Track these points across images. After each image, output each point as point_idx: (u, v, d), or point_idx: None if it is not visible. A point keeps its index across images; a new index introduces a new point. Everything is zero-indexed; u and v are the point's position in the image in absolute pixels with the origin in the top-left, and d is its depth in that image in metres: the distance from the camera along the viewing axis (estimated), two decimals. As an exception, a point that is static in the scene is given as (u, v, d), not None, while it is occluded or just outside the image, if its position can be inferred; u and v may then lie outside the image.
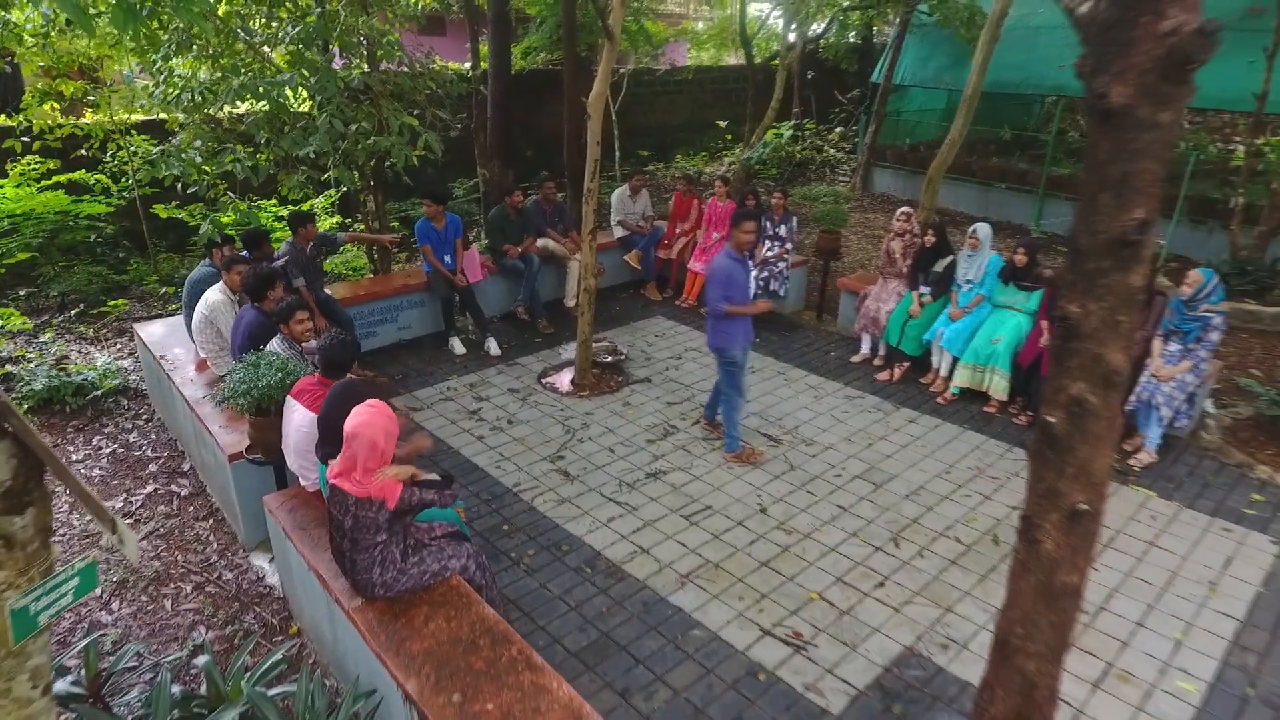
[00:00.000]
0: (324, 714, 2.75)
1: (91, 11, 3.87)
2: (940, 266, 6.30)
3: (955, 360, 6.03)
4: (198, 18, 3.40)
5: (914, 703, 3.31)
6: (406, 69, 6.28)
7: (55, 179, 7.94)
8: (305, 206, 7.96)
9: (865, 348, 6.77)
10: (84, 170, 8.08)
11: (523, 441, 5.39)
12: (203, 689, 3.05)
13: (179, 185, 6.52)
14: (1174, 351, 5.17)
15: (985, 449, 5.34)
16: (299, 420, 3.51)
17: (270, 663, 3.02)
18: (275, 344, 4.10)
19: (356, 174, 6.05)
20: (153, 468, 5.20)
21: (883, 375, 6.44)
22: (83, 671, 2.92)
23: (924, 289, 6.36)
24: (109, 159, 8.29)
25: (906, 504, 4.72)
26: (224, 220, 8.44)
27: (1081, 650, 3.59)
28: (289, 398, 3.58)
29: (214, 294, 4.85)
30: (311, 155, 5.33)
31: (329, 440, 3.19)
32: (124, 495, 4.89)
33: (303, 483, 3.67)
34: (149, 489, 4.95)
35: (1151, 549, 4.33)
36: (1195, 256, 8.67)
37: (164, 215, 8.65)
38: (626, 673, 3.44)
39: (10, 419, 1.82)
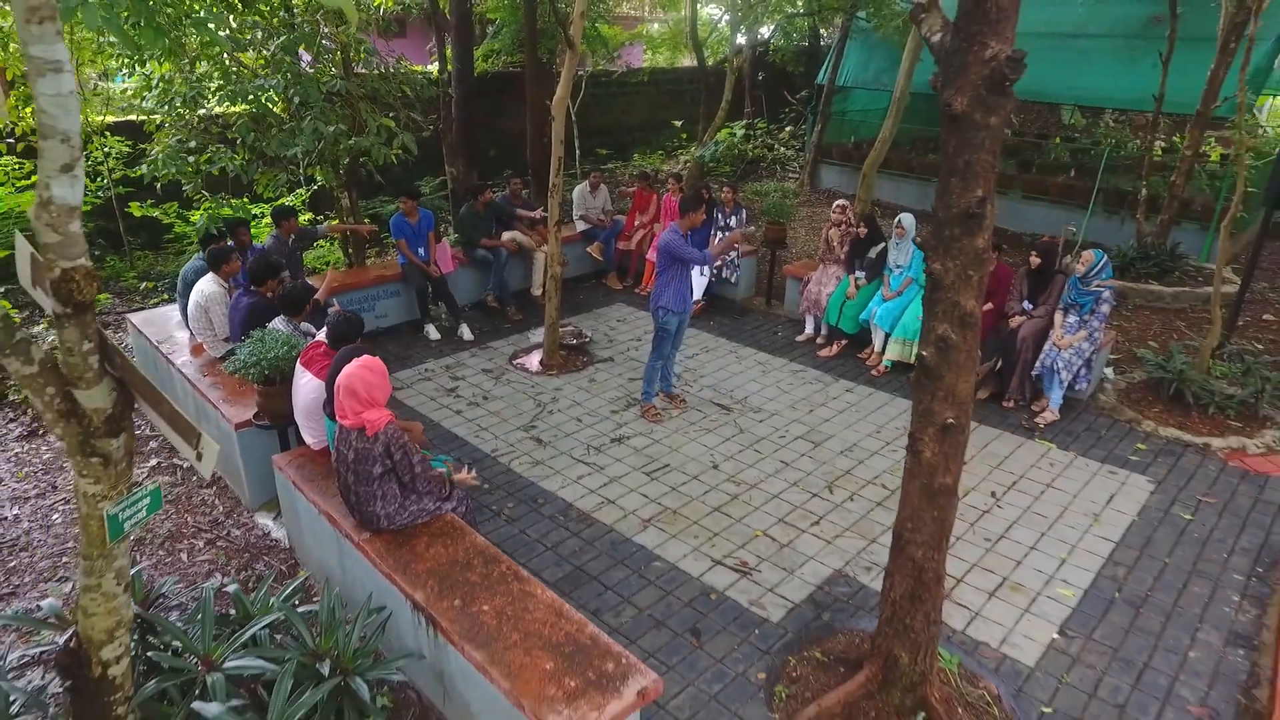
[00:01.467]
0: (343, 624, 3.26)
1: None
2: (873, 253, 6.98)
3: (888, 336, 6.71)
4: (214, 34, 3.86)
5: (840, 611, 3.93)
6: (380, 71, 6.73)
7: (35, 179, 8.21)
8: (281, 202, 8.35)
9: (809, 328, 7.42)
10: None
11: (498, 414, 5.92)
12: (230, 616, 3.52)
13: (156, 184, 6.91)
14: (1072, 323, 5.90)
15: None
16: (309, 386, 4.00)
17: (290, 589, 3.52)
18: (278, 323, 4.57)
19: (334, 172, 6.50)
20: (153, 444, 5.61)
21: (824, 351, 7.10)
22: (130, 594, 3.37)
23: (859, 274, 7.03)
24: (84, 159, 8.57)
25: (841, 459, 5.36)
26: (195, 217, 8.81)
27: (982, 569, 4.26)
28: (299, 366, 4.07)
29: (208, 285, 5.28)
30: (299, 155, 5.76)
31: (334, 396, 3.69)
32: (129, 469, 5.28)
33: (309, 441, 4.15)
34: (152, 462, 5.36)
35: (1048, 489, 5.03)
36: (1108, 243, 9.49)
37: (138, 214, 8.97)
38: (598, 596, 4.00)
39: (115, 358, 2.32)
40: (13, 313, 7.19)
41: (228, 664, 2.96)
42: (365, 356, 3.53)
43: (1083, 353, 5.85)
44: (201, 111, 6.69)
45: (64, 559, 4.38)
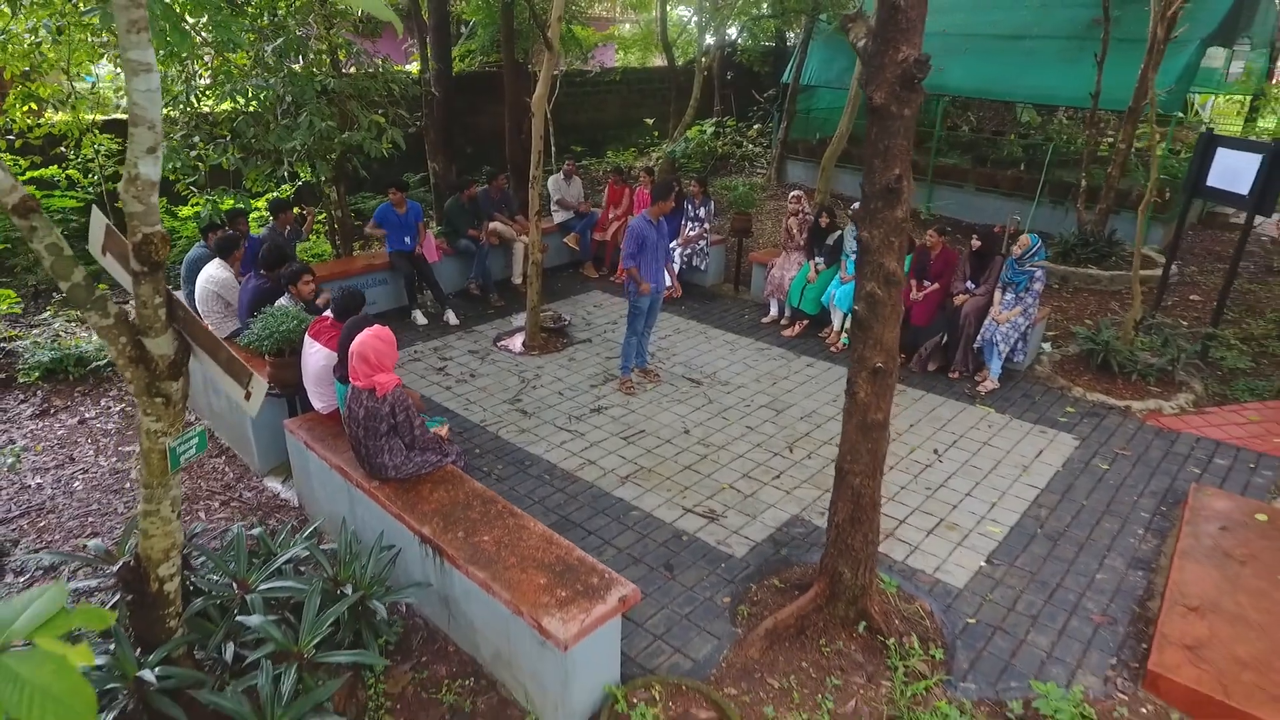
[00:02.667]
0: (358, 558, 3.71)
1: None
2: (831, 240, 7.53)
3: (845, 316, 7.25)
4: (234, 35, 4.26)
5: (797, 548, 4.45)
6: (369, 71, 7.14)
7: (29, 174, 8.50)
8: (269, 197, 8.71)
9: (773, 310, 7.96)
10: (56, 166, 8.65)
11: (485, 390, 6.37)
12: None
13: None
14: (1009, 300, 6.48)
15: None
16: (318, 355, 4.43)
17: (309, 531, 3.95)
18: (284, 301, 4.99)
19: (328, 166, 6.90)
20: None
21: (787, 331, 7.64)
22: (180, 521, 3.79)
23: (819, 259, 7.57)
24: (73, 156, 8.87)
25: (800, 423, 5.89)
26: (185, 212, 9.14)
27: (923, 512, 4.80)
28: (308, 338, 4.49)
29: (218, 270, 5.66)
30: (296, 148, 6.16)
31: (347, 360, 4.13)
32: (135, 447, 5.66)
33: (318, 406, 4.58)
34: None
35: (985, 447, 5.60)
36: (1053, 231, 10.16)
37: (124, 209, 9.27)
38: (581, 540, 4.48)
39: (179, 312, 2.76)
40: (15, 299, 7.52)
41: (261, 587, 3.40)
42: (376, 326, 3.97)
43: (1019, 327, 6.43)
44: (190, 110, 7.07)
45: (89, 519, 4.76)
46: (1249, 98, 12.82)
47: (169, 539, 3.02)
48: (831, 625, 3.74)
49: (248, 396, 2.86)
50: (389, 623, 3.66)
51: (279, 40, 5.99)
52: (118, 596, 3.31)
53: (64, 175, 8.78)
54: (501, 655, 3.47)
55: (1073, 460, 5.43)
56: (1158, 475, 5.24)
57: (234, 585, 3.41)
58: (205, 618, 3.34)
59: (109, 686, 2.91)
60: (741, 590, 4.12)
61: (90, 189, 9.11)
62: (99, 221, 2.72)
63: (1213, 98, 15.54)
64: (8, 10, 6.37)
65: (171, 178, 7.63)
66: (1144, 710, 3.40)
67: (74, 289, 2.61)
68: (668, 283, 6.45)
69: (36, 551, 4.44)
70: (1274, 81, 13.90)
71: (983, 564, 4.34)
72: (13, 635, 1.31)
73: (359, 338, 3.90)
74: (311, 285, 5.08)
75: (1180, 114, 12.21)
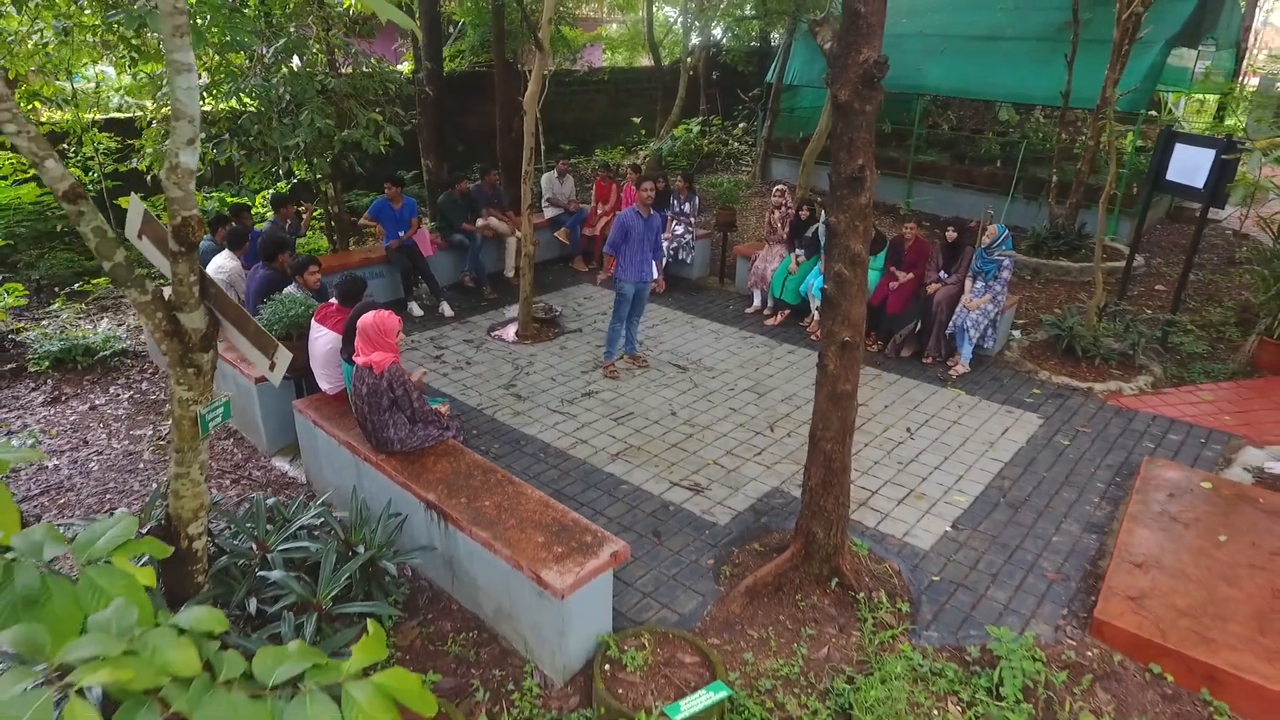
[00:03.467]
0: (367, 524, 3.99)
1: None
2: (811, 232, 7.86)
3: (824, 305, 7.57)
4: (242, 37, 4.52)
5: (776, 516, 4.76)
6: (366, 70, 7.41)
7: (31, 171, 8.70)
8: (265, 193, 8.96)
9: (756, 300, 8.28)
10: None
11: (480, 376, 6.65)
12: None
13: (148, 177, 7.51)
14: (979, 288, 6.82)
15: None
16: (325, 339, 4.70)
17: (320, 501, 4.23)
18: (292, 289, 5.26)
19: (325, 163, 7.17)
20: (168, 407, 6.21)
21: (770, 321, 7.96)
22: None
23: (799, 251, 7.89)
24: (73, 154, 9.07)
25: (781, 405, 6.21)
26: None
27: (894, 484, 5.12)
28: (314, 323, 4.77)
29: (227, 261, 5.92)
30: (299, 145, 6.42)
31: (351, 342, 4.41)
32: (151, 426, 5.93)
33: (325, 387, 4.85)
34: (170, 421, 5.98)
35: (954, 425, 5.93)
36: (1025, 225, 10.54)
37: (125, 206, 9.48)
38: (575, 511, 4.76)
39: (210, 289, 3.04)
40: (23, 291, 7.74)
41: (280, 548, 3.68)
42: (381, 309, 4.26)
43: (988, 314, 6.77)
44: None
45: (107, 496, 5.01)
46: (1217, 97, 13.23)
47: (198, 500, 3.29)
48: (807, 582, 4.05)
49: (272, 367, 3.14)
50: (397, 582, 3.95)
51: (280, 42, 6.25)
52: (147, 555, 3.58)
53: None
54: (503, 609, 3.76)
55: (1036, 437, 5.77)
56: (1115, 450, 5.59)
57: (254, 546, 3.69)
58: (228, 575, 3.61)
59: (145, 633, 3.17)
60: (724, 554, 4.43)
61: (90, 186, 9.32)
62: (137, 208, 2.99)
63: (1184, 97, 16.01)
64: (12, 12, 6.60)
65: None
66: (1089, 653, 3.72)
67: (115, 268, 2.88)
68: (654, 275, 6.73)
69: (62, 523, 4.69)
70: (1241, 80, 14.35)
71: (948, 529, 4.67)
72: (95, 554, 1.60)
73: (363, 317, 4.19)
74: (317, 275, 5.36)
75: (1154, 112, 12.64)
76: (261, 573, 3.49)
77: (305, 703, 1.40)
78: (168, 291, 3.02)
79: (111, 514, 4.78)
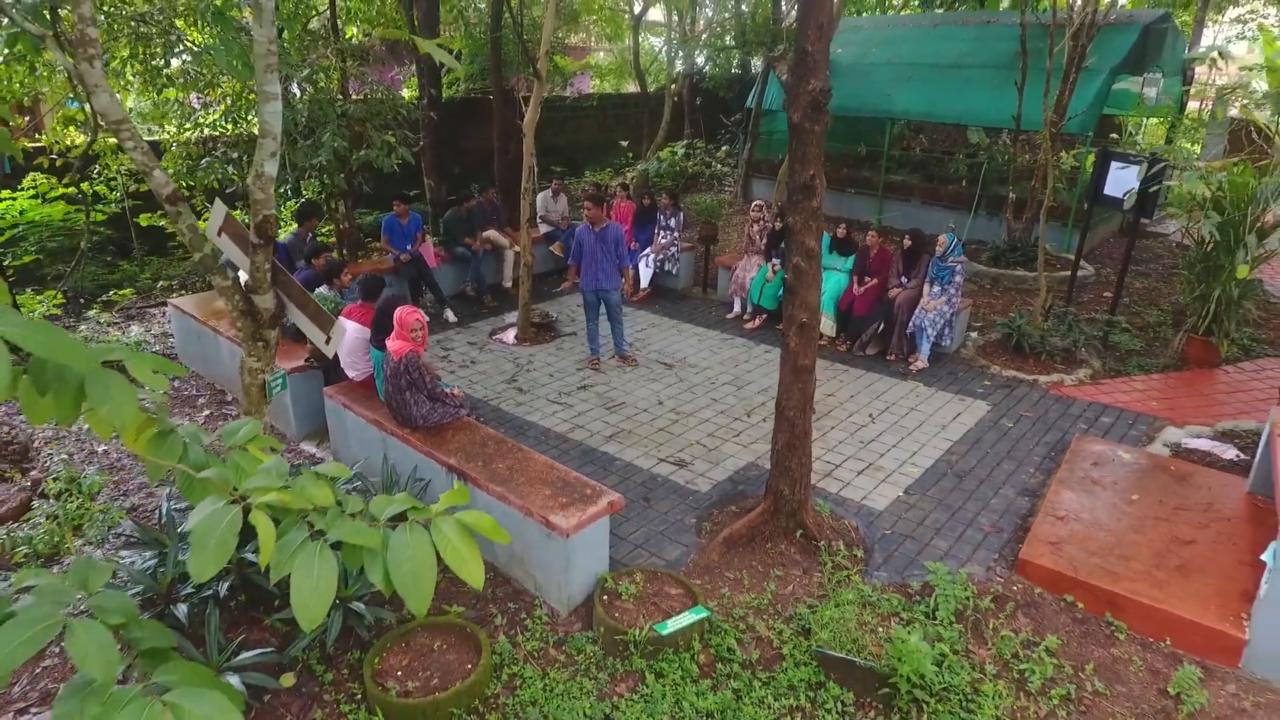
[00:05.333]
0: (397, 484, 4.61)
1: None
2: (783, 248, 8.58)
3: (798, 309, 8.29)
4: (286, 68, 5.19)
5: (751, 485, 5.42)
6: (379, 96, 8.13)
7: (60, 190, 9.33)
8: (288, 207, 9.62)
9: (736, 307, 8.98)
10: (86, 183, 9.48)
11: (484, 373, 7.30)
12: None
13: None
14: (936, 291, 7.55)
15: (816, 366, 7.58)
16: (353, 331, 5.35)
17: (354, 469, 4.85)
18: (323, 290, 5.93)
19: (342, 180, 7.86)
20: (201, 402, 6.84)
21: (749, 324, 8.66)
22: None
23: (776, 260, 8.62)
24: (96, 174, 9.71)
25: (758, 396, 6.88)
26: (201, 225, 9.97)
27: (856, 459, 5.80)
28: (340, 318, 5.42)
29: (325, 291, 6.58)
30: (320, 164, 7.11)
31: (380, 330, 5.07)
32: (187, 418, 6.53)
33: (351, 375, 5.49)
34: (205, 413, 6.60)
35: (912, 412, 6.63)
36: (986, 239, 11.34)
37: (145, 224, 10.13)
38: (574, 482, 5.41)
39: (279, 276, 3.70)
40: (60, 299, 8.34)
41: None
42: (408, 306, 4.92)
43: (944, 314, 7.50)
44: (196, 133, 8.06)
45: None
46: (1176, 120, 14.18)
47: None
48: (775, 534, 4.71)
49: (328, 340, 3.79)
50: (422, 536, 4.56)
51: (305, 72, 6.96)
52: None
53: (91, 191, 9.61)
54: (515, 554, 4.39)
55: (984, 420, 6.47)
56: (1052, 430, 6.29)
57: (303, 501, 4.30)
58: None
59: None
60: (705, 514, 5.08)
61: (115, 204, 9.96)
62: (220, 210, 3.65)
63: (1144, 120, 16.99)
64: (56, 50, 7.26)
65: (186, 193, 8.56)
66: (1014, 588, 4.39)
67: (205, 258, 3.53)
68: (616, 284, 7.28)
69: (117, 498, 5.29)
70: (1192, 106, 15.33)
71: (901, 494, 5.34)
72: (235, 442, 2.24)
73: (396, 311, 4.85)
74: (348, 278, 6.03)
75: (1115, 135, 13.55)
76: (312, 519, 4.10)
77: (406, 530, 2.04)
78: (244, 277, 3.67)
79: (151, 497, 5.37)
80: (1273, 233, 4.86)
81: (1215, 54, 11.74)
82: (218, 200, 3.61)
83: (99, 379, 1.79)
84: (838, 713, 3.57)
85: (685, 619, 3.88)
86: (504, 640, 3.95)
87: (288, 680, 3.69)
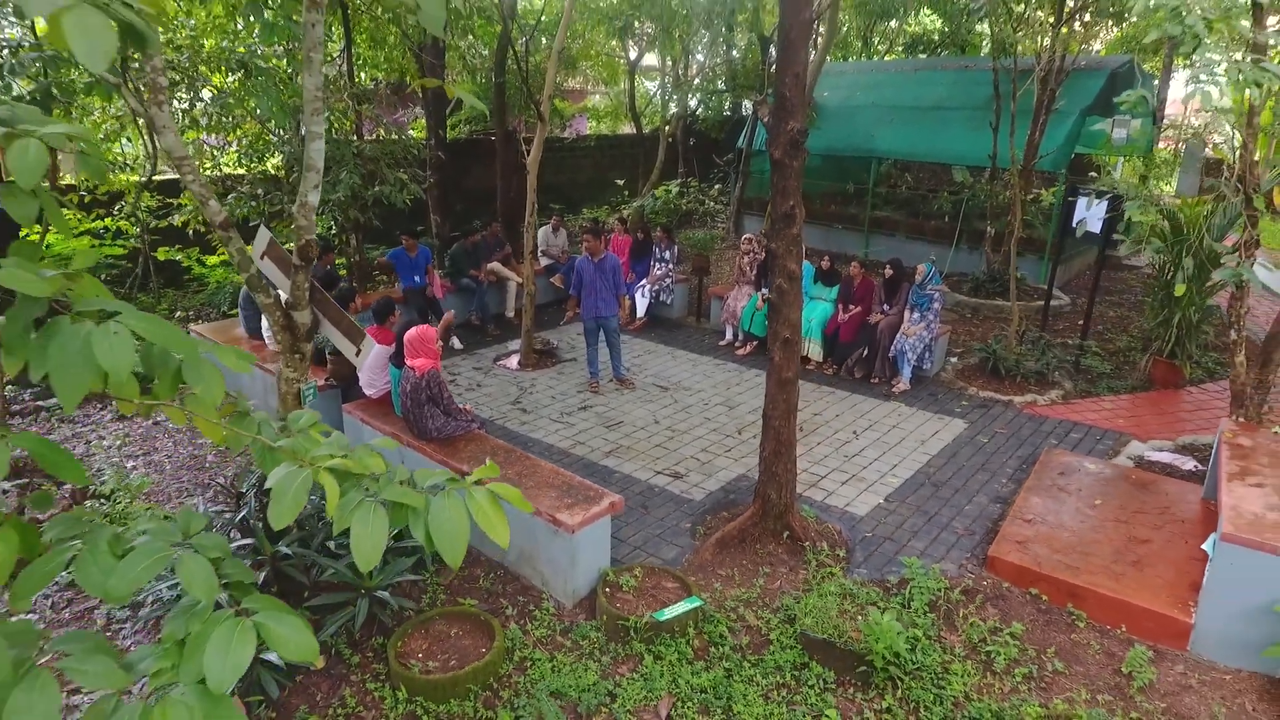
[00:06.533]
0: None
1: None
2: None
3: (787, 336, 8.74)
4: (295, 109, 5.70)
5: (741, 494, 5.80)
6: (393, 136, 8.66)
7: (85, 226, 9.80)
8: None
9: (728, 335, 9.43)
10: (109, 218, 9.96)
11: (490, 395, 7.70)
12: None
13: (187, 230, 8.69)
14: (915, 318, 8.02)
15: (804, 388, 7.97)
16: (374, 350, 5.77)
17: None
18: (341, 314, 6.36)
19: (358, 215, 8.35)
20: (279, 385, 7.19)
21: (740, 351, 9.10)
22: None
23: (765, 290, 9.09)
24: (118, 210, 10.19)
25: (748, 415, 7.29)
26: (212, 260, 10.45)
27: (840, 471, 6.19)
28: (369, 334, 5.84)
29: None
30: (340, 200, 7.60)
31: (402, 351, 5.48)
32: (205, 440, 6.89)
33: (369, 393, 5.89)
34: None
35: (893, 429, 7.04)
36: (966, 270, 11.87)
37: (162, 257, 10.58)
38: (576, 491, 5.78)
39: (316, 294, 4.13)
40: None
41: (348, 504, 4.67)
42: (424, 326, 5.35)
43: (924, 339, 7.96)
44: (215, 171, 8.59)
45: (183, 485, 5.96)
46: (1132, 158, 14.85)
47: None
48: (764, 535, 5.08)
49: (358, 353, 4.20)
50: (437, 538, 4.92)
51: (324, 113, 7.49)
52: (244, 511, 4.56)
53: (114, 226, 10.08)
54: (524, 553, 4.75)
55: (961, 436, 6.88)
56: (1025, 445, 6.70)
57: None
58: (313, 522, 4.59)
59: (257, 559, 4.15)
60: (699, 520, 5.45)
61: (134, 239, 10.41)
62: (264, 235, 4.09)
63: (1121, 159, 17.71)
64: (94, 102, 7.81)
65: (202, 230, 9.08)
66: (984, 582, 4.76)
67: (251, 278, 3.96)
68: (614, 312, 7.75)
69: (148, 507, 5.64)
70: (1159, 146, 16.05)
71: (881, 501, 5.73)
72: (300, 426, 2.64)
73: (409, 331, 5.27)
74: (362, 303, 6.47)
75: (1094, 173, 14.19)
76: (338, 518, 4.47)
77: (444, 496, 2.43)
78: (284, 296, 4.10)
79: (191, 498, 5.73)
80: (1223, 261, 5.29)
81: (1143, 96, 12.35)
82: (262, 227, 4.05)
83: (195, 364, 2.19)
84: (820, 689, 3.92)
85: (681, 607, 4.24)
86: (515, 628, 4.30)
87: (318, 662, 4.03)
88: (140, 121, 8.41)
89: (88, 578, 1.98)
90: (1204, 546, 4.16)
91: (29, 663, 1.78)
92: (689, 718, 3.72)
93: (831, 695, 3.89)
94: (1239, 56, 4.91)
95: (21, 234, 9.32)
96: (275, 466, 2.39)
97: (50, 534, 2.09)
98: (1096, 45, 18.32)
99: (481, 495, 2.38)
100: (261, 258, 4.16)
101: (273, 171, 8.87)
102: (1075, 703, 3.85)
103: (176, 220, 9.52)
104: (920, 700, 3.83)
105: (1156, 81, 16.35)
